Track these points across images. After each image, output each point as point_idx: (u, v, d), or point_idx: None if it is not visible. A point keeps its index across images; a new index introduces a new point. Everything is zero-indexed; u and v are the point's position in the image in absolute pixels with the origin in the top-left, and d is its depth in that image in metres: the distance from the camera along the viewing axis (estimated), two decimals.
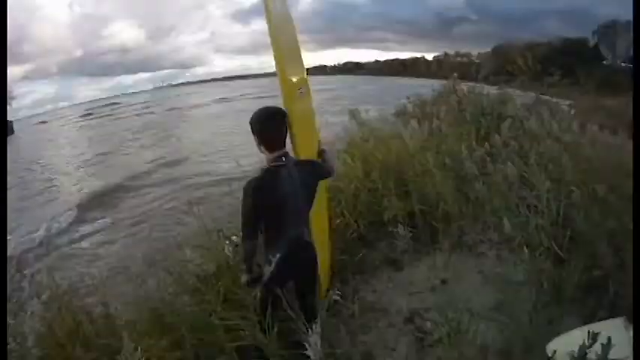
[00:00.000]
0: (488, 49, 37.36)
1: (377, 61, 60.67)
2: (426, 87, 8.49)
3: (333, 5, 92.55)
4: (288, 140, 2.16)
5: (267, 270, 2.03)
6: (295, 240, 2.11)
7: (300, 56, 2.71)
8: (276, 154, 2.07)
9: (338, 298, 2.34)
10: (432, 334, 2.45)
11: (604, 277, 2.37)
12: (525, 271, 2.37)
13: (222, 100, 45.33)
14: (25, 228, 8.93)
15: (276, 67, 2.34)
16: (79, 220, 10.20)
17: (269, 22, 2.33)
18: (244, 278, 2.09)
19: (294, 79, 2.47)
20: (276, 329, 1.95)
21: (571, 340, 1.47)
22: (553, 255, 2.58)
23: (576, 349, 1.37)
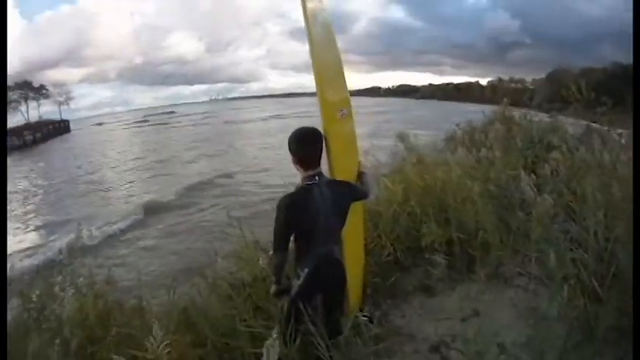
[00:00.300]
0: (543, 76, 36.03)
1: (431, 85, 60.24)
2: (478, 113, 8.37)
3: (389, 28, 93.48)
4: (325, 161, 2.28)
5: (296, 283, 2.21)
6: (324, 257, 2.21)
7: (344, 79, 2.77)
8: (310, 172, 2.19)
9: (365, 320, 2.35)
10: None
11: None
12: (560, 307, 2.29)
13: (277, 116, 46.41)
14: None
15: (317, 89, 2.45)
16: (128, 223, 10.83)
17: (310, 44, 2.45)
18: (273, 289, 2.29)
19: (335, 101, 2.57)
20: (297, 342, 2.02)
21: None
22: (592, 292, 2.47)
23: None
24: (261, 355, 1.79)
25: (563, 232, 2.96)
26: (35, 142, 47.87)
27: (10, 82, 52.42)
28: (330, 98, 2.53)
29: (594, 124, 5.92)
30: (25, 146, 45.20)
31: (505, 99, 8.28)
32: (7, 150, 41.19)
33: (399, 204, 3.78)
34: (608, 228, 2.78)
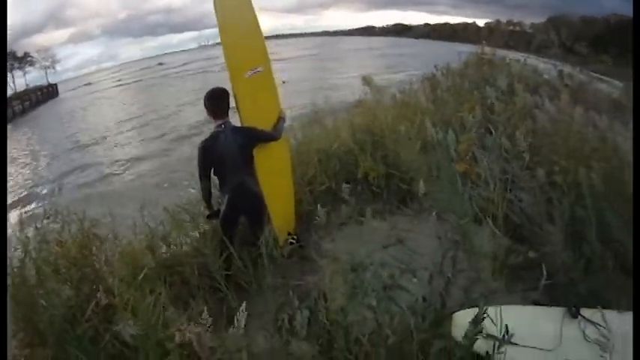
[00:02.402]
0: (543, 20, 34.72)
1: (427, 25, 57.93)
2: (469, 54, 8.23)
3: None
4: None
5: (222, 208, 2.98)
6: (238, 186, 2.92)
7: (258, 40, 3.26)
8: (218, 122, 2.91)
9: (293, 242, 2.99)
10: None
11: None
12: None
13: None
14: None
15: (223, 53, 2.96)
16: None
17: (215, 10, 2.91)
18: (206, 213, 3.12)
19: (241, 63, 3.05)
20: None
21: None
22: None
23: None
24: None
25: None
26: (24, 112, 46.39)
27: None
28: (235, 61, 3.01)
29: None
30: (14, 116, 44.06)
31: (483, 41, 8.18)
32: None
33: (341, 141, 4.07)
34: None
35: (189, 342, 1.82)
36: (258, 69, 3.14)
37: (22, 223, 2.90)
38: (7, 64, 50.51)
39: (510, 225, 2.93)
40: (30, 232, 2.88)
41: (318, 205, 2.93)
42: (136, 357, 2.05)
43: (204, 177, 2.93)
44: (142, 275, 2.42)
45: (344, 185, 3.26)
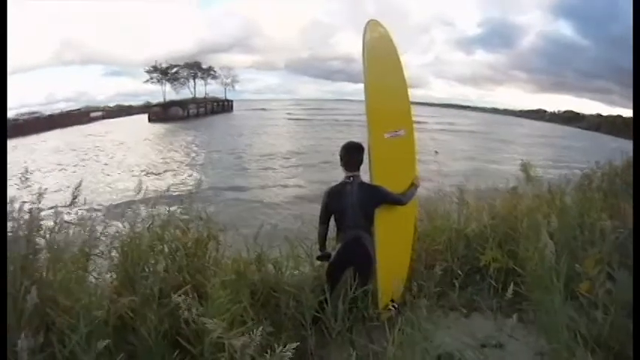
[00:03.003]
0: None
1: (599, 115, 52.58)
2: None
3: (555, 45, 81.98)
4: None
5: (333, 253, 3.10)
6: (352, 240, 3.03)
7: (404, 104, 3.33)
8: (348, 173, 3.08)
9: (392, 309, 2.98)
10: None
11: None
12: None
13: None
14: None
15: (366, 112, 3.16)
16: None
17: (364, 72, 3.16)
18: (318, 254, 3.26)
19: (383, 123, 3.20)
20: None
21: None
22: None
23: None
24: None
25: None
26: (198, 116, 53.04)
27: (180, 62, 59.51)
28: (376, 120, 3.18)
29: None
30: (187, 117, 50.67)
31: None
32: (171, 119, 48.44)
33: (476, 225, 3.96)
34: None
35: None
36: (400, 132, 3.23)
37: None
38: (191, 71, 59.86)
39: None
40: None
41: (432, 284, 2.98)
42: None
43: (324, 221, 3.14)
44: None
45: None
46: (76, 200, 3.21)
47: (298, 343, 1.87)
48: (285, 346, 1.77)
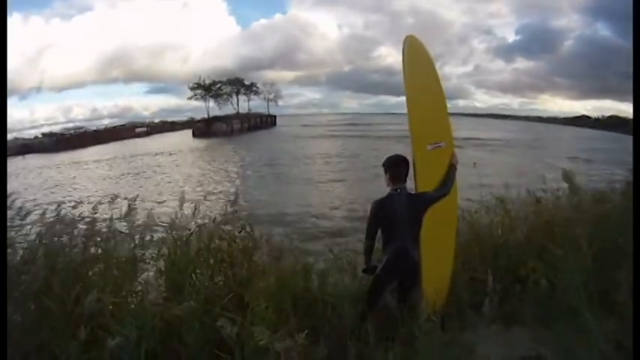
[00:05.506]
0: None
1: None
2: None
3: (596, 48, 77.81)
4: None
5: (380, 266, 3.12)
6: (400, 250, 3.06)
7: (442, 116, 3.45)
8: (395, 186, 3.09)
9: (434, 320, 2.79)
10: None
11: None
12: None
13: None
14: None
15: (409, 125, 3.31)
16: None
17: (405, 86, 3.30)
18: (364, 267, 3.23)
19: (425, 136, 3.32)
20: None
21: None
22: None
23: None
24: None
25: None
26: (242, 131, 54.46)
27: (223, 78, 63.13)
28: (419, 132, 3.32)
29: None
30: (232, 133, 52.19)
31: None
32: (215, 134, 50.11)
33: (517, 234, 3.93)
34: None
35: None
36: (440, 144, 3.34)
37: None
38: (233, 88, 63.33)
39: None
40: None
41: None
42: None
43: (371, 236, 3.15)
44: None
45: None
46: (132, 211, 3.49)
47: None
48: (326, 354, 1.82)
